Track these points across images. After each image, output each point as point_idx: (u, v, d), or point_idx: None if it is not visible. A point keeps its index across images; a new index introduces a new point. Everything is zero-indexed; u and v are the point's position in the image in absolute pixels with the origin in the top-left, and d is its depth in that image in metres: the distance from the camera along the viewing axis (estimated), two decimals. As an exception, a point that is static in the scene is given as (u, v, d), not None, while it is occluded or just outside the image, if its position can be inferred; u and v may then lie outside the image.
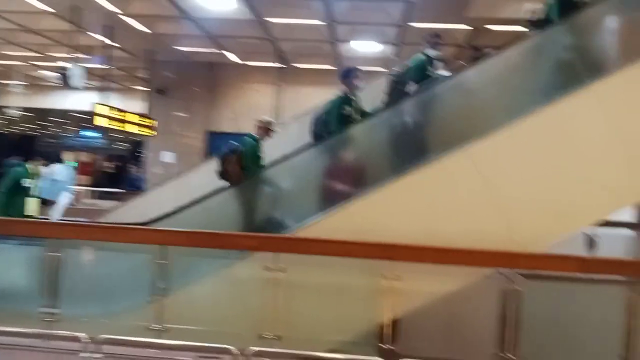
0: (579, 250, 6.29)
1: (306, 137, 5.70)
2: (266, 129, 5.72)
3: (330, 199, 4.47)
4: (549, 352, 3.65)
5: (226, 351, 3.43)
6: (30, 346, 3.54)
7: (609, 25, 4.72)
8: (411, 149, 4.72)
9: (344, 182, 4.67)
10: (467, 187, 4.07)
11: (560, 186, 4.05)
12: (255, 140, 5.60)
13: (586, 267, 3.91)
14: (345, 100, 5.24)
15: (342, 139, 5.03)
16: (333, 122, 5.13)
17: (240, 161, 5.37)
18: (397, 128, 5.04)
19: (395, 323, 3.64)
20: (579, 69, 4.43)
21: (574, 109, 4.04)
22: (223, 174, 5.45)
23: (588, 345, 3.80)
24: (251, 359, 3.39)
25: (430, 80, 5.14)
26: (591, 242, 6.87)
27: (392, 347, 3.52)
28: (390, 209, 4.17)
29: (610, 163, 4.05)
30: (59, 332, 3.60)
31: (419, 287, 3.72)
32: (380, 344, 3.56)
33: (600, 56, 4.63)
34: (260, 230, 4.72)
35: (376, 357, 3.37)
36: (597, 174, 4.04)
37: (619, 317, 3.68)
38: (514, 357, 3.60)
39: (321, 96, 5.85)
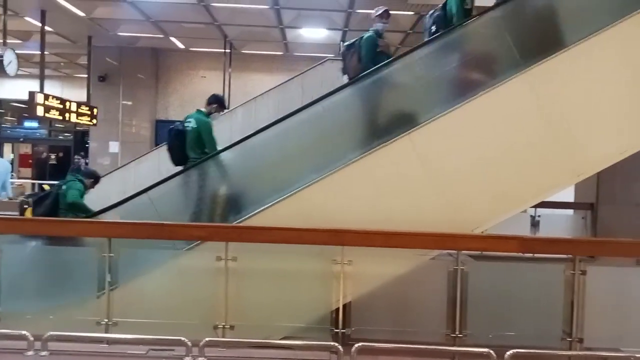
0: (523, 230, 6.61)
1: (252, 124, 5.61)
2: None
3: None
4: (496, 329, 3.80)
5: (179, 342, 3.37)
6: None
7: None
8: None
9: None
10: (410, 171, 4.19)
11: (500, 169, 4.23)
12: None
13: (527, 247, 4.10)
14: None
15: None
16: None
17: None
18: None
19: (347, 307, 3.70)
20: (511, 56, 4.60)
21: (508, 95, 4.21)
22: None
23: (533, 321, 3.99)
24: (204, 349, 3.36)
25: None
26: (534, 222, 7.21)
27: (344, 331, 3.58)
28: (337, 195, 4.23)
29: (545, 145, 4.24)
30: (2, 330, 3.45)
31: (370, 271, 3.80)
32: (334, 329, 3.61)
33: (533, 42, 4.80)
34: (215, 215, 4.65)
35: (331, 342, 3.40)
36: (532, 156, 4.23)
37: (560, 293, 3.88)
38: (462, 335, 3.74)
39: (270, 82, 5.82)
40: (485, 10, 4.81)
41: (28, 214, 5.18)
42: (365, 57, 5.16)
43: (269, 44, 15.02)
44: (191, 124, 5.35)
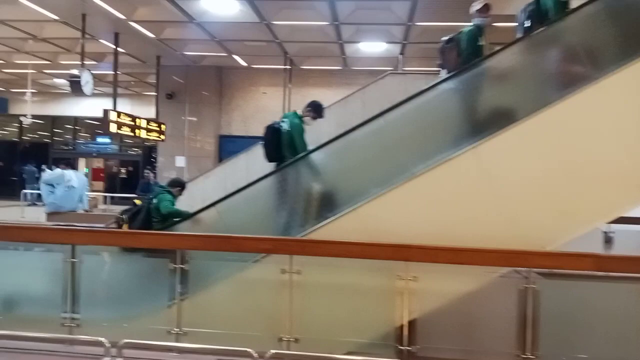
0: (595, 247, 6.28)
1: (313, 139, 5.63)
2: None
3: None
4: (568, 351, 3.63)
5: (246, 354, 3.44)
6: (52, 351, 3.59)
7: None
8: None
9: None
10: (475, 186, 4.08)
11: (573, 184, 4.05)
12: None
13: (603, 265, 3.89)
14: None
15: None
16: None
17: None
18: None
19: (412, 324, 3.64)
20: (586, 64, 4.39)
21: (583, 106, 4.03)
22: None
23: (607, 342, 3.77)
24: (270, 361, 3.41)
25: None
26: (607, 239, 6.84)
27: (410, 349, 3.52)
28: (400, 209, 4.19)
29: (622, 159, 4.03)
30: (81, 337, 3.65)
31: (435, 288, 3.72)
32: (398, 346, 3.56)
33: (606, 52, 4.57)
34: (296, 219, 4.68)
35: (394, 359, 3.36)
36: (608, 171, 4.03)
37: (636, 313, 3.65)
38: (533, 357, 3.58)
39: (329, 97, 5.87)
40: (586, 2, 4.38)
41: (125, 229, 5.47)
42: (466, 51, 5.01)
43: (328, 59, 15.21)
44: (285, 125, 5.41)
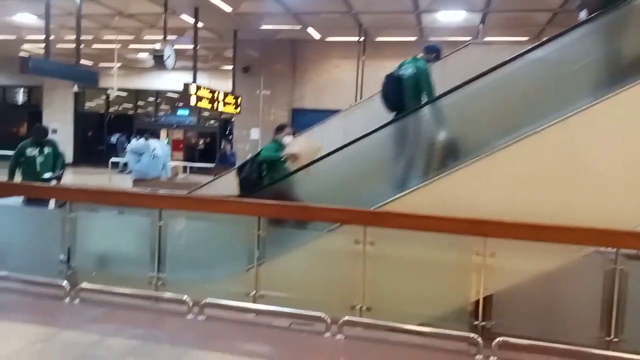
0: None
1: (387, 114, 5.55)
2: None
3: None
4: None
5: (319, 319, 3.55)
6: (141, 306, 3.87)
7: None
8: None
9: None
10: (561, 162, 3.87)
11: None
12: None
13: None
14: None
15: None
16: None
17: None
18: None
19: (488, 300, 3.57)
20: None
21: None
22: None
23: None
24: (343, 328, 3.49)
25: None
26: None
27: (484, 324, 3.46)
28: (478, 185, 4.07)
29: None
30: (167, 294, 3.90)
31: (515, 265, 3.60)
32: (473, 321, 3.51)
33: None
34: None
35: (471, 334, 3.32)
36: None
37: None
38: (617, 340, 3.43)
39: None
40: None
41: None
42: None
43: (403, 30, 14.86)
44: (408, 70, 5.33)
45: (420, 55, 5.43)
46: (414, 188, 4.25)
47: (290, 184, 4.94)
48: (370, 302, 3.70)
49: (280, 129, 5.92)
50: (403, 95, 5.24)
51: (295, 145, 5.58)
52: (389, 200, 4.13)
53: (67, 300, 3.91)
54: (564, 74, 4.42)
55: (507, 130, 4.07)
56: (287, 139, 5.75)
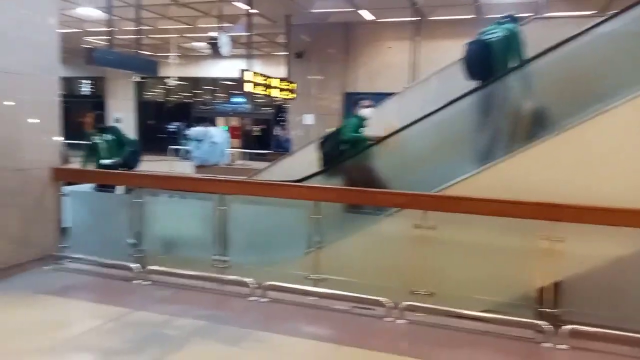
0: None
1: (446, 93, 5.41)
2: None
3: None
4: None
5: (379, 303, 3.55)
6: (206, 288, 4.00)
7: None
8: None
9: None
10: (632, 143, 3.65)
11: None
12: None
13: None
14: None
15: None
16: None
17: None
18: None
19: (555, 287, 3.44)
20: None
21: None
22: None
23: None
24: (404, 313, 3.47)
25: None
26: None
27: (552, 311, 3.34)
28: (543, 167, 3.91)
29: None
30: (231, 276, 4.01)
31: (584, 250, 3.45)
32: (538, 307, 3.40)
33: None
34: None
35: (537, 321, 3.22)
36: None
37: None
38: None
39: (459, 49, 5.52)
40: None
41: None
42: None
43: (459, 8, 14.37)
44: (497, 33, 5.12)
45: (505, 20, 5.19)
46: (476, 171, 4.15)
47: (371, 159, 4.96)
48: (432, 287, 3.65)
49: (360, 104, 5.87)
50: (492, 62, 4.97)
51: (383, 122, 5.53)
52: (450, 183, 4.05)
53: (136, 281, 4.10)
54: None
55: (576, 109, 3.89)
56: (367, 112, 5.76)
